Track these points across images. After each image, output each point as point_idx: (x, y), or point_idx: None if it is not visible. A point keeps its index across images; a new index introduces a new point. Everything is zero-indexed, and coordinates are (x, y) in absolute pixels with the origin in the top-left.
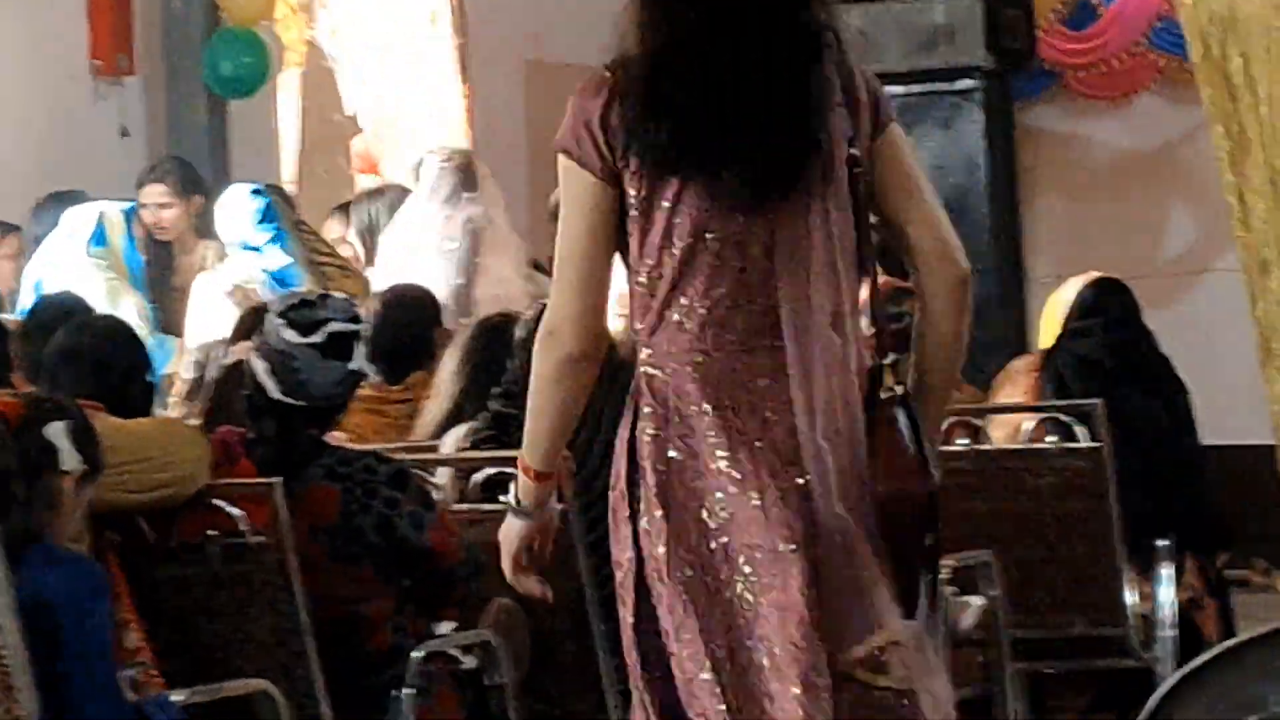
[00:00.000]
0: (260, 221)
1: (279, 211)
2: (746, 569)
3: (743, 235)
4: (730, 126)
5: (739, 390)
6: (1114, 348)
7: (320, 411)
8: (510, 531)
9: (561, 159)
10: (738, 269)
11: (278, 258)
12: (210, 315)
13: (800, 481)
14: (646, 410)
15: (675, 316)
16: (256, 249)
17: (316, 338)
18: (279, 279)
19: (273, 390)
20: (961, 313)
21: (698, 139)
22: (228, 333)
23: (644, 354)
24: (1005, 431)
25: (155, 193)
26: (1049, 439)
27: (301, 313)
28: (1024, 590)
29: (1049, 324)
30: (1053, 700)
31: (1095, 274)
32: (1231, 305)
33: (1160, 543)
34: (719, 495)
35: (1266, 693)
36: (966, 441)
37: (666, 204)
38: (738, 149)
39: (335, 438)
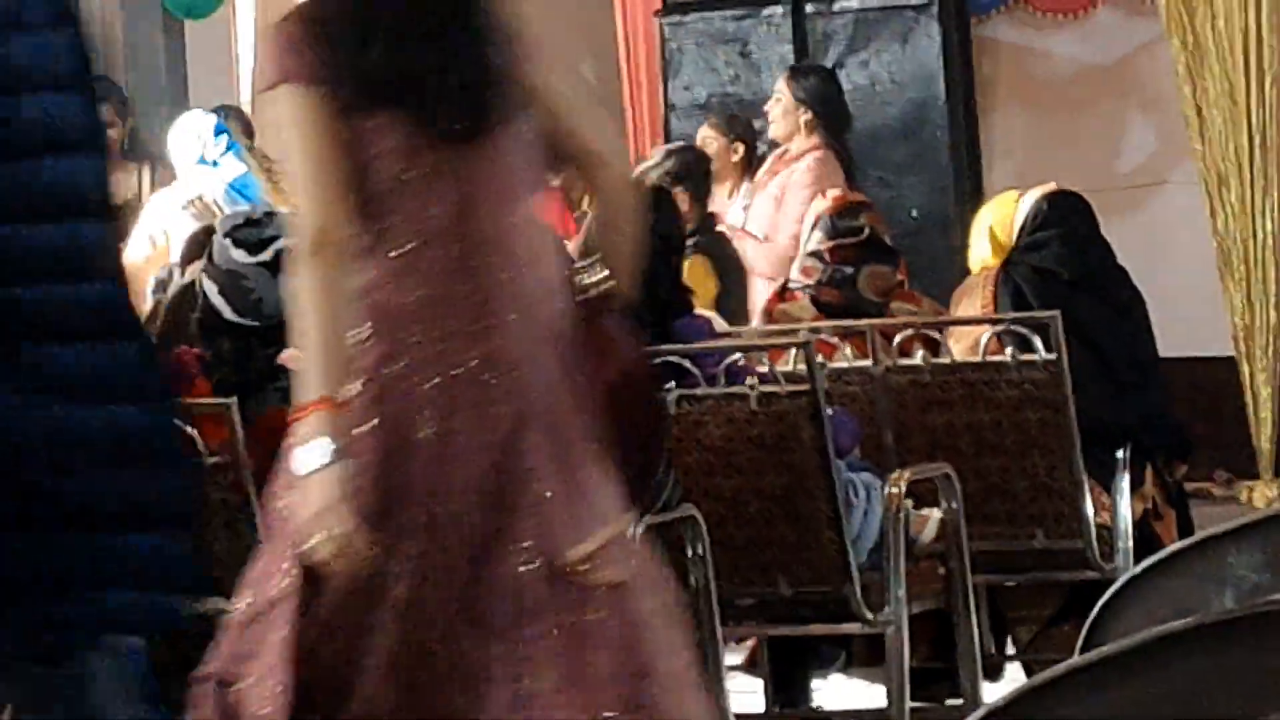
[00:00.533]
0: (215, 135)
1: (231, 127)
2: None
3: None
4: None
5: None
6: (1071, 259)
7: (276, 329)
8: None
9: None
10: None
11: (234, 167)
12: (171, 230)
13: None
14: None
15: None
16: (214, 164)
17: (265, 255)
18: (238, 189)
19: (226, 311)
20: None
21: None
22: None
23: None
24: (964, 344)
25: None
26: (1007, 351)
27: (249, 231)
28: (983, 503)
29: (994, 237)
30: (1013, 612)
31: (1052, 186)
32: (1189, 218)
33: (1118, 454)
34: None
35: (1208, 596)
36: (925, 353)
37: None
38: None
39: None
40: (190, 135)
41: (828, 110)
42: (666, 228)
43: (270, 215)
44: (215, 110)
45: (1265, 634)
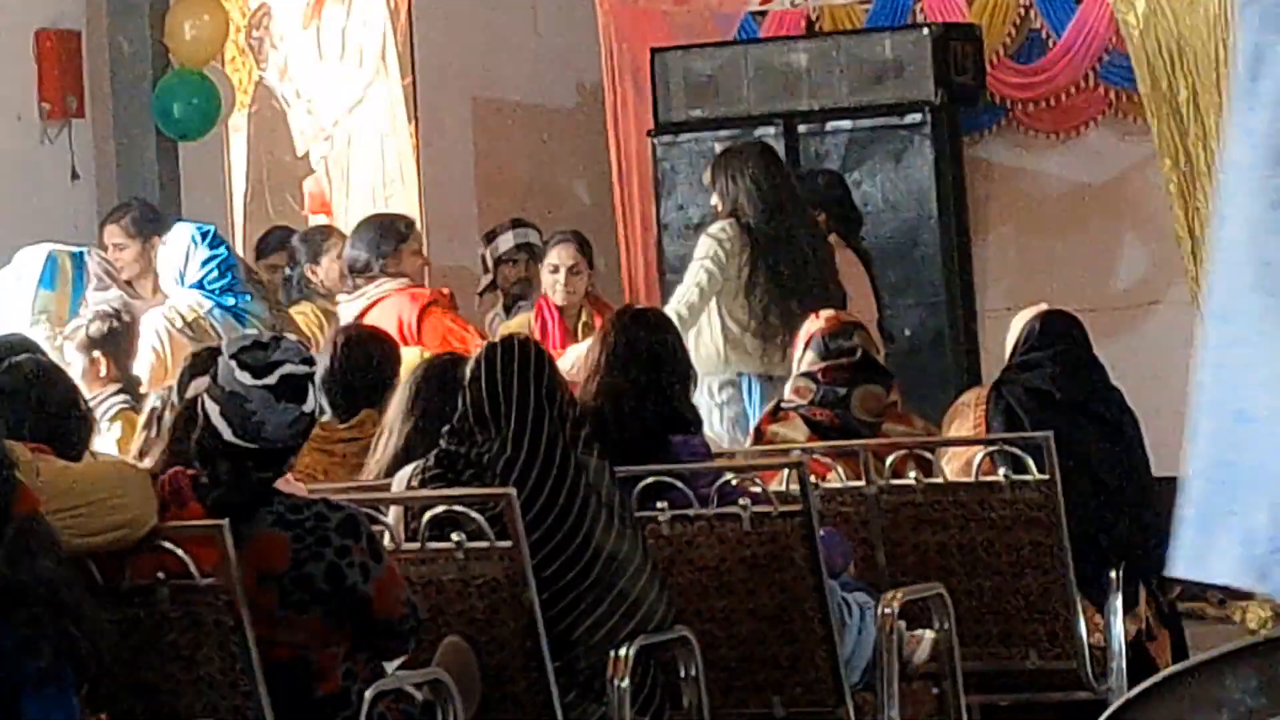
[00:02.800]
0: (210, 249)
1: (224, 240)
2: None
3: None
4: None
5: None
6: (1064, 379)
7: (274, 454)
8: None
9: None
10: None
11: (230, 285)
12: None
13: None
14: None
15: None
16: (198, 285)
17: (269, 379)
18: (232, 311)
19: (226, 432)
20: None
21: None
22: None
23: None
24: (957, 465)
25: (111, 233)
26: (1000, 471)
27: (254, 354)
28: (977, 623)
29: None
30: None
31: (1045, 306)
32: (1183, 337)
33: (1111, 574)
34: None
35: None
36: (918, 474)
37: None
38: None
39: (288, 480)
40: (176, 249)
41: (842, 211)
42: (659, 345)
43: (277, 340)
44: (198, 226)
45: None
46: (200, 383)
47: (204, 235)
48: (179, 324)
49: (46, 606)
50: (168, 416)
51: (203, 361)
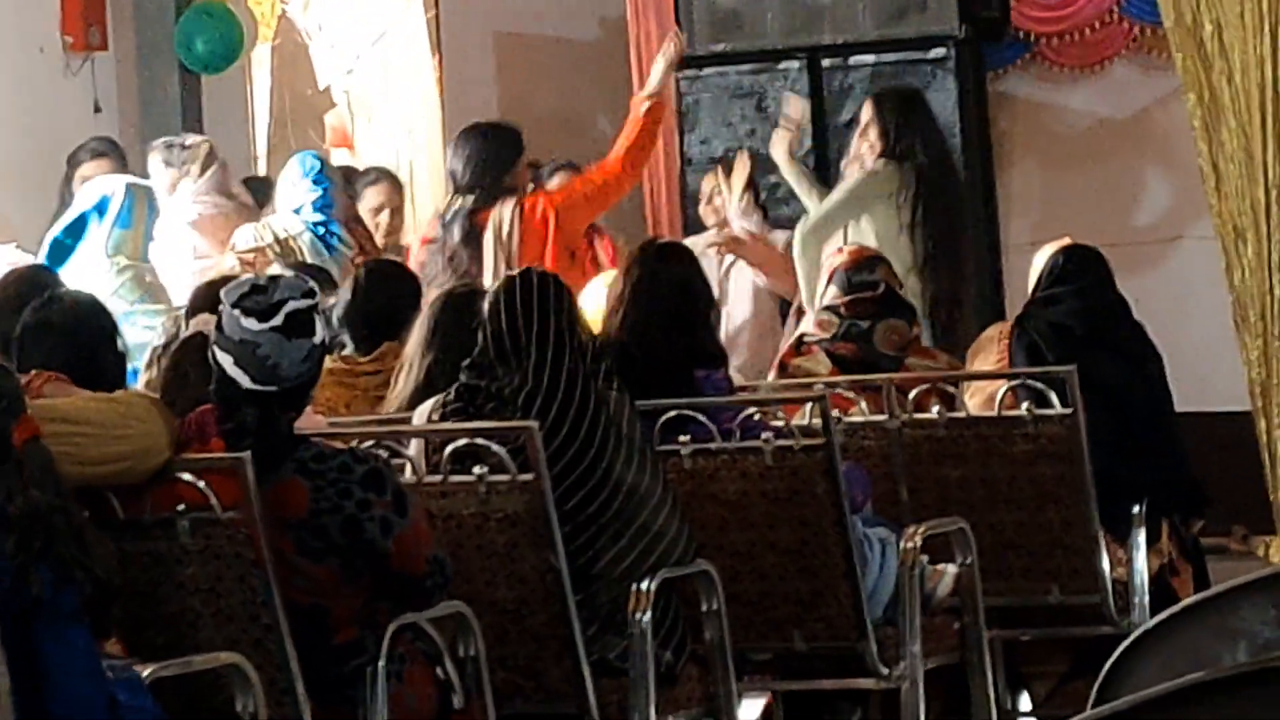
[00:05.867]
0: (314, 183)
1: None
2: None
3: None
4: None
5: None
6: (1086, 314)
7: (295, 392)
8: None
9: None
10: None
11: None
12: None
13: None
14: None
15: None
16: (296, 210)
17: (276, 320)
18: (321, 238)
19: (245, 381)
20: None
21: None
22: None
23: None
24: (980, 399)
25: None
26: (1023, 406)
27: (256, 299)
28: (999, 558)
29: None
30: (1029, 668)
31: (1068, 240)
32: (1206, 272)
33: (1134, 509)
34: None
35: (1220, 651)
36: (940, 408)
37: None
38: None
39: (308, 414)
40: (285, 176)
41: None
42: (685, 279)
43: (275, 279)
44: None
45: (1274, 689)
46: (202, 319)
47: (310, 167)
48: (268, 239)
49: (38, 534)
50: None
51: (201, 299)
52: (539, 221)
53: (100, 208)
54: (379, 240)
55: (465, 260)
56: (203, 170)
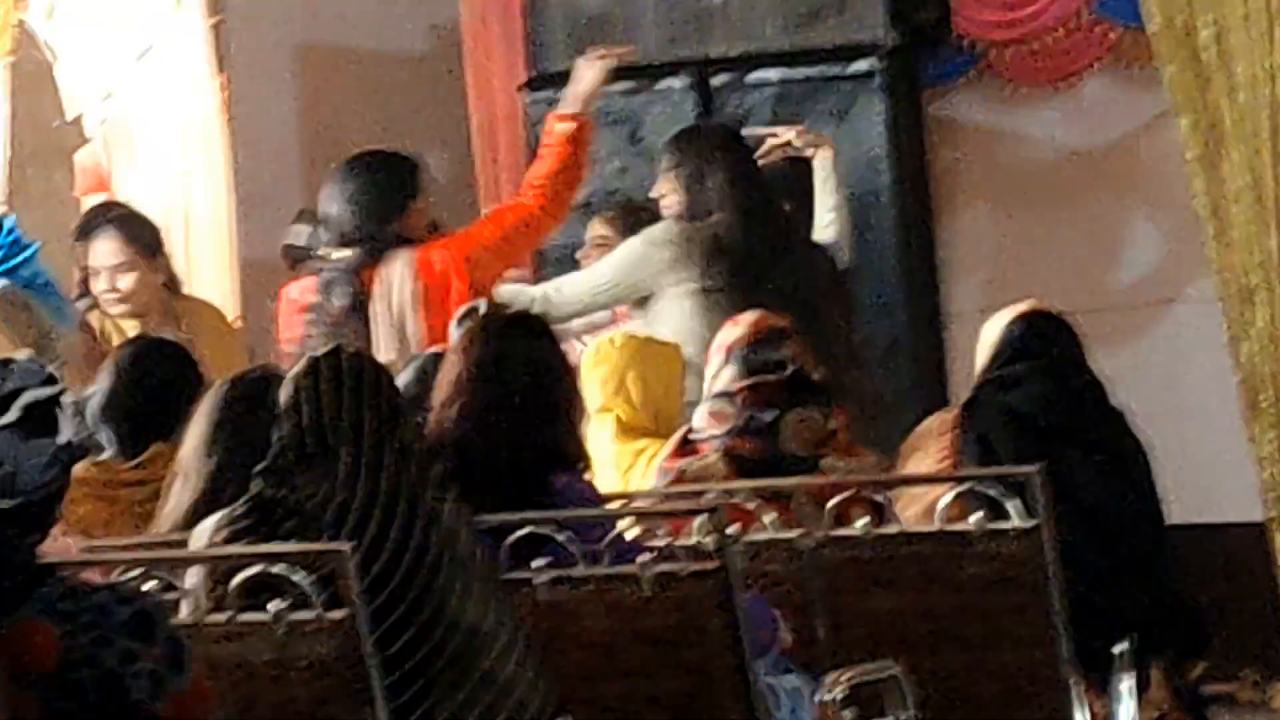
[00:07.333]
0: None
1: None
2: None
3: None
4: None
5: None
6: (1053, 400)
7: (36, 508)
8: None
9: None
10: None
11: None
12: None
13: None
14: None
15: None
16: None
17: (11, 416)
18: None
19: None
20: None
21: None
22: None
23: None
24: (918, 509)
25: None
26: (972, 517)
27: None
28: (945, 711)
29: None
30: None
31: (1028, 305)
32: (1206, 345)
33: (1117, 648)
34: None
35: None
36: (867, 522)
37: None
38: None
39: (55, 536)
40: None
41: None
42: (541, 358)
43: (7, 364)
44: None
45: None
46: None
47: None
48: None
49: None
50: None
51: None
52: (439, 276)
53: None
54: (111, 310)
55: (352, 331)
56: None
